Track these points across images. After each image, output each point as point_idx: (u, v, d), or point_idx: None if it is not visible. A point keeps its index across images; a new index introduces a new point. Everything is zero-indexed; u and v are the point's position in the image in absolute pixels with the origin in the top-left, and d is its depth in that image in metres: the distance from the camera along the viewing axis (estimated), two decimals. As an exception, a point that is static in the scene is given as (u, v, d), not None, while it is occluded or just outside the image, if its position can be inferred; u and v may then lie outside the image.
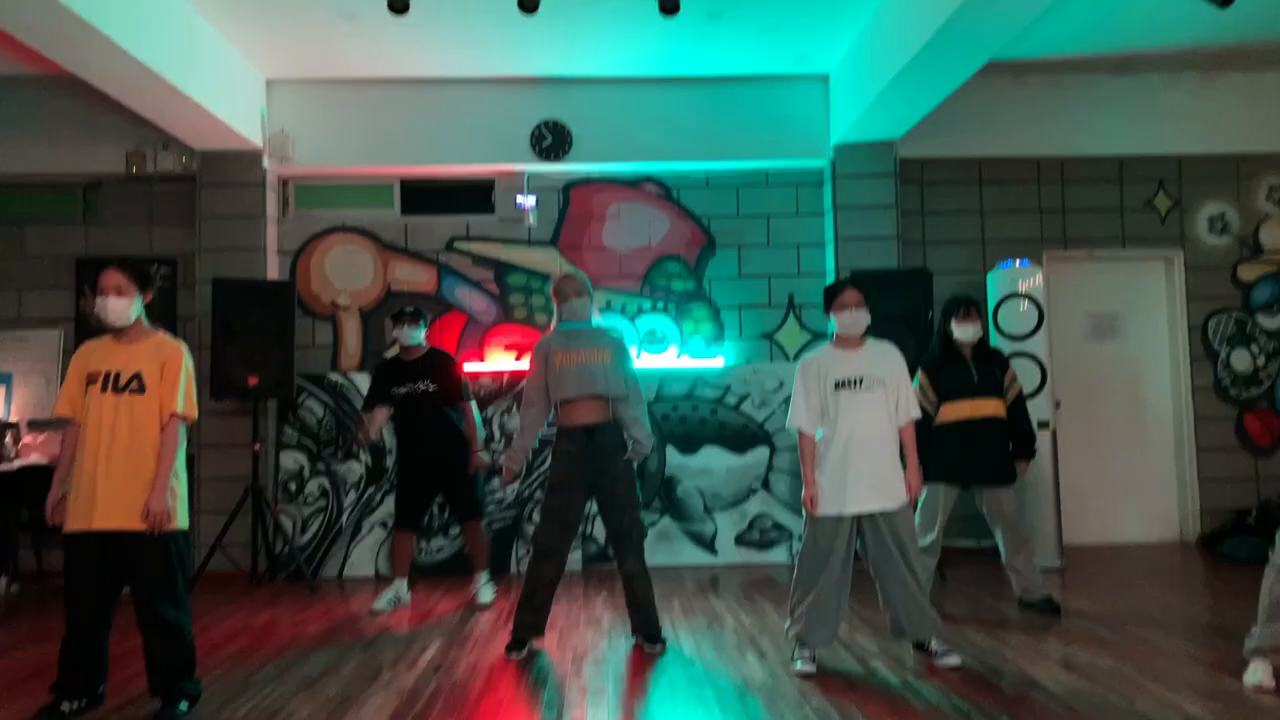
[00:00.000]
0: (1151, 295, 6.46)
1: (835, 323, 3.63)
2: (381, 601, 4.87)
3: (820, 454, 3.59)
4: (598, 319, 4.16)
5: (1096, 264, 6.35)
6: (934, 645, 3.65)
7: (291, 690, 3.53)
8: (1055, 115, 6.31)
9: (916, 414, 3.67)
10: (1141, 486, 6.26)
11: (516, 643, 3.93)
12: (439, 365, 4.94)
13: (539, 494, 5.89)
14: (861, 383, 3.55)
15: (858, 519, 3.57)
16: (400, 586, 4.97)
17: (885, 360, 3.65)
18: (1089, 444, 6.22)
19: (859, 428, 3.52)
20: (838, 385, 3.56)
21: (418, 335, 4.93)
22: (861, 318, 3.61)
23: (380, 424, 5.01)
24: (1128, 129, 6.32)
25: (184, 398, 3.32)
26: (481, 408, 5.97)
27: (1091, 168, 6.44)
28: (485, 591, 5.02)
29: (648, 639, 3.98)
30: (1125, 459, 6.20)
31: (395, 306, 6.12)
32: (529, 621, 3.96)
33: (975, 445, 4.43)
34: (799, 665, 3.60)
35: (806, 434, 3.59)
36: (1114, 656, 3.74)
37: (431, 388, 4.85)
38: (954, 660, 3.62)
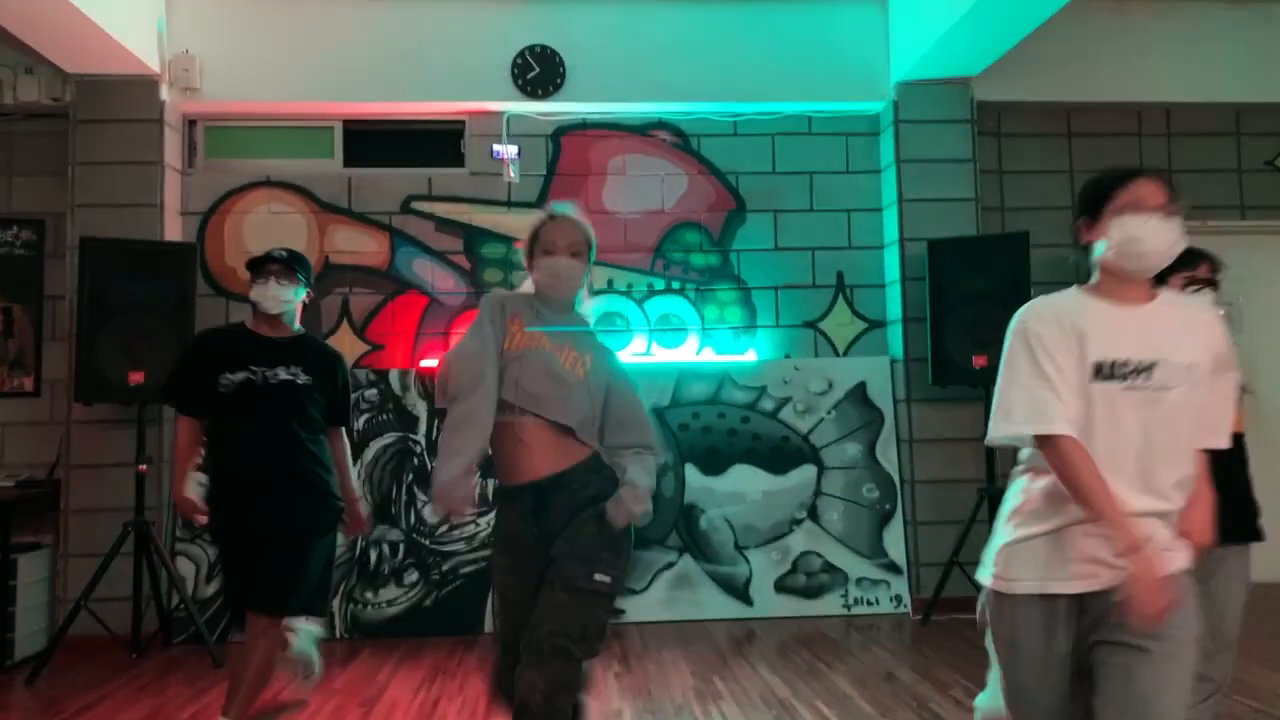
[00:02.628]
0: (1274, 275, 5.33)
1: (1110, 244, 1.84)
2: None
3: (1032, 489, 1.84)
4: (588, 305, 2.45)
5: (1211, 238, 5.12)
6: None
7: None
8: (1161, 53, 5.17)
9: (1225, 440, 1.88)
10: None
11: None
12: (320, 356, 3.10)
13: (523, 527, 4.53)
14: (1152, 372, 1.77)
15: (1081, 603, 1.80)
16: None
17: (1197, 331, 1.84)
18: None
19: (1138, 453, 1.77)
20: (1100, 371, 1.77)
21: (292, 299, 3.03)
22: (1167, 236, 1.78)
23: (193, 470, 3.06)
24: (1247, 70, 5.20)
25: None
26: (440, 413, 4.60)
27: (1203, 118, 5.31)
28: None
29: None
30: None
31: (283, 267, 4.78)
32: None
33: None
34: None
35: (1062, 439, 1.74)
36: None
37: (302, 379, 2.96)
38: None
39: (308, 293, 3.09)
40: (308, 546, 2.90)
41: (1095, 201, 1.93)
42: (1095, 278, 1.93)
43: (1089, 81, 5.17)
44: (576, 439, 2.19)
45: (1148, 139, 5.31)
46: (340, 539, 3.16)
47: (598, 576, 2.11)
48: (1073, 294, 1.94)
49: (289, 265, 2.99)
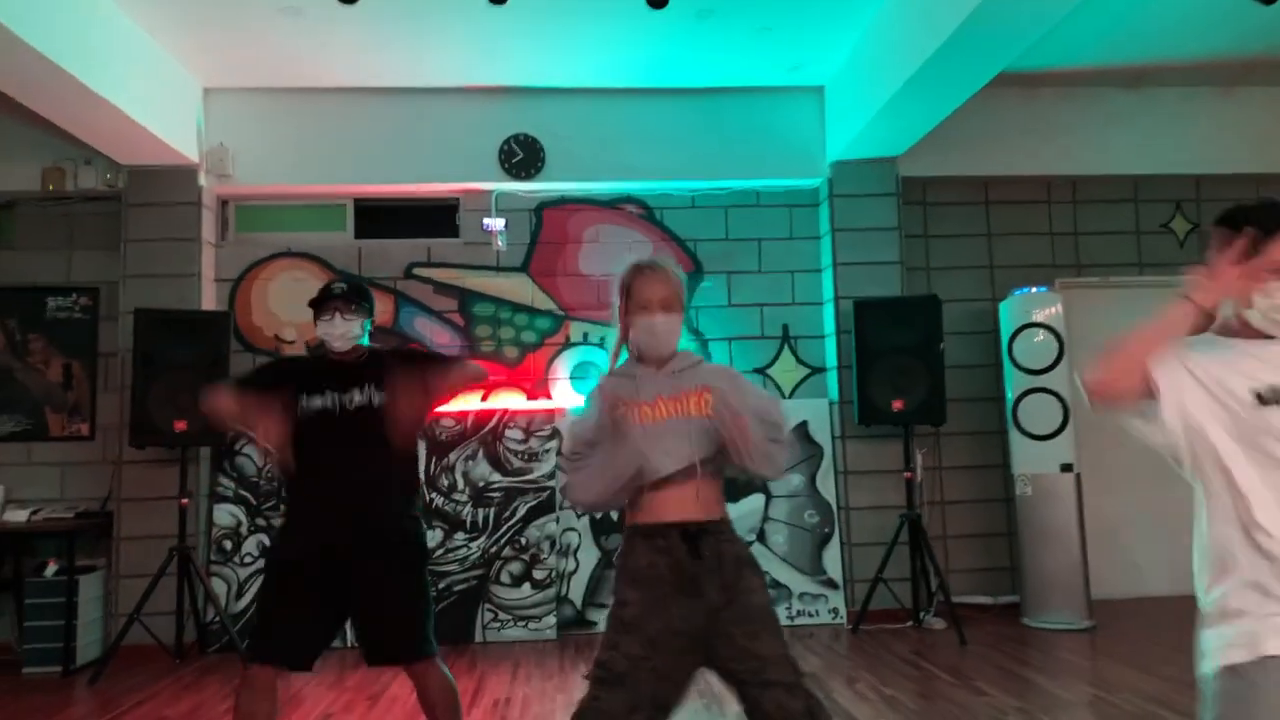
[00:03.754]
0: (1171, 325, 5.99)
1: (1263, 298, 1.63)
2: None
3: (1214, 545, 1.64)
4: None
5: (1111, 291, 5.87)
6: None
7: (199, 817, 2.85)
8: (1066, 132, 5.86)
9: None
10: (1177, 533, 5.71)
11: None
12: (389, 367, 2.83)
13: (508, 550, 5.25)
14: None
15: None
16: None
17: None
18: (1118, 487, 5.67)
19: None
20: (1263, 398, 1.60)
21: (359, 331, 2.86)
22: None
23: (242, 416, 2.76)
24: (1143, 146, 5.89)
25: None
26: (443, 454, 5.34)
27: (1105, 188, 6.00)
28: None
29: None
30: (1157, 504, 5.65)
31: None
32: None
33: None
34: None
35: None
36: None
37: (375, 400, 2.76)
38: None
39: (372, 321, 2.95)
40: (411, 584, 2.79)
41: (1261, 221, 1.65)
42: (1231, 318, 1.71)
43: (1003, 157, 5.85)
44: (714, 487, 2.12)
45: (1056, 205, 6.00)
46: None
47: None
48: (1210, 338, 1.71)
49: (349, 298, 2.84)
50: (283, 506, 2.93)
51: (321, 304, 2.84)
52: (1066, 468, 5.20)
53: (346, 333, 2.81)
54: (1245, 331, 1.67)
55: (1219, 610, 1.61)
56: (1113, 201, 6.02)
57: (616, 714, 1.98)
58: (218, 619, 4.99)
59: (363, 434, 2.73)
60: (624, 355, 2.29)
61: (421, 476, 3.21)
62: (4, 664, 4.85)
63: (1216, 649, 1.59)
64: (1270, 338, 1.64)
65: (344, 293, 2.83)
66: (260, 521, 5.20)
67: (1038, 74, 5.62)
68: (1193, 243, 6.01)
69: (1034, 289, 5.38)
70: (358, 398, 2.76)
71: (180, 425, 4.79)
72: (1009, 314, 5.43)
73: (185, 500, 4.91)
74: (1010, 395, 5.36)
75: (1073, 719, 3.55)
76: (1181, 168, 5.94)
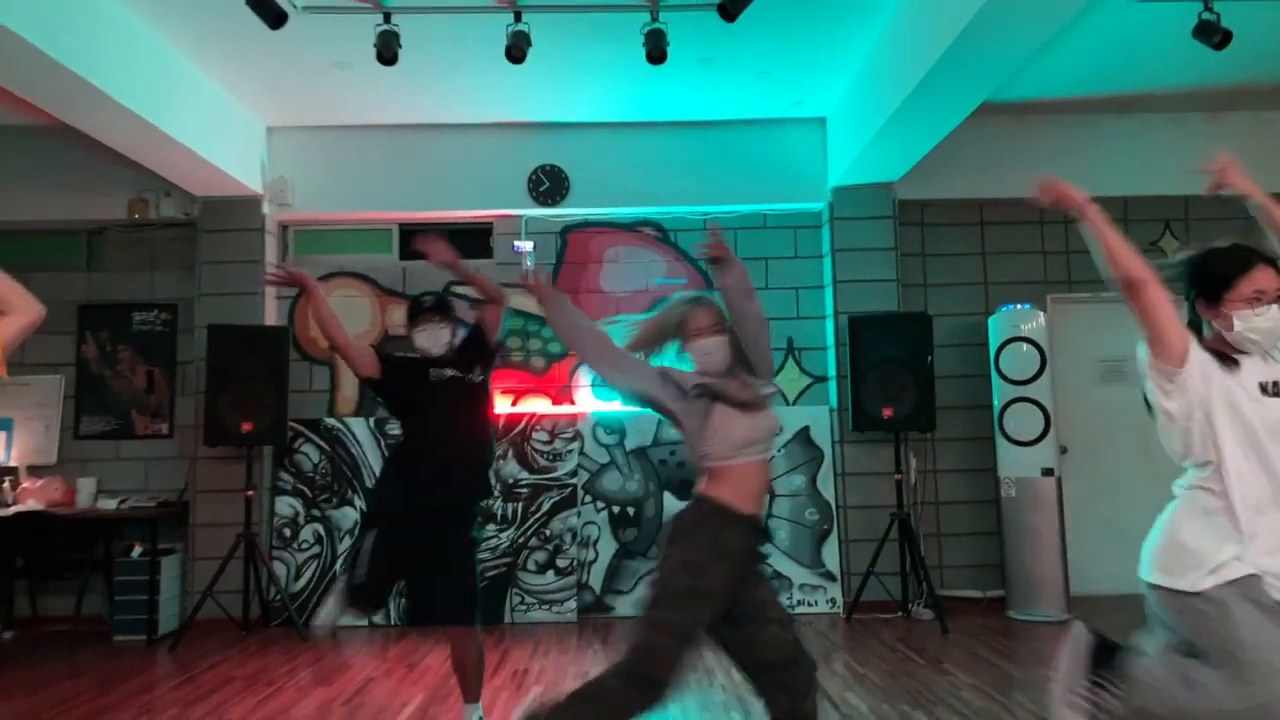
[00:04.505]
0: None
1: (1240, 322, 2.18)
2: None
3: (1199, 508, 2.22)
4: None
5: (1102, 307, 6.21)
6: None
7: (262, 750, 3.47)
8: (1058, 156, 6.20)
9: None
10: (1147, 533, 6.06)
11: None
12: (468, 343, 3.49)
13: (534, 541, 5.83)
14: None
15: None
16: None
17: None
18: (1097, 491, 6.05)
19: None
20: (1267, 389, 2.16)
21: (449, 338, 3.43)
22: None
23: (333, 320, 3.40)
24: (1132, 170, 6.21)
25: None
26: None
27: (1096, 208, 6.33)
28: None
29: None
30: (1135, 507, 5.97)
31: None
32: None
33: None
34: None
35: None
36: (1112, 721, 3.59)
37: (479, 376, 3.44)
38: None
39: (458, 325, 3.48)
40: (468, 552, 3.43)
41: (1220, 277, 2.18)
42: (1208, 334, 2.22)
43: (997, 180, 6.19)
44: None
45: (1049, 225, 6.35)
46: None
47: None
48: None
49: (438, 310, 3.40)
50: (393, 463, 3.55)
51: (416, 315, 3.39)
52: (1048, 472, 5.60)
53: (441, 340, 3.37)
54: (1224, 346, 2.20)
55: (1198, 548, 2.14)
56: (1103, 221, 6.34)
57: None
58: (278, 597, 5.66)
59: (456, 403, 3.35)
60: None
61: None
62: (97, 633, 5.59)
63: (1194, 576, 2.12)
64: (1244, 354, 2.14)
65: (434, 305, 3.39)
66: (315, 512, 5.86)
67: (1027, 103, 6.01)
68: (1182, 259, 6.32)
69: (1019, 305, 5.78)
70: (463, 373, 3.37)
71: (247, 426, 5.46)
72: (996, 328, 5.84)
73: (250, 493, 5.58)
74: (997, 404, 5.78)
75: (1020, 695, 3.98)
76: (1170, 189, 6.22)
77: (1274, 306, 2.10)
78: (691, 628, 2.38)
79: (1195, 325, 2.27)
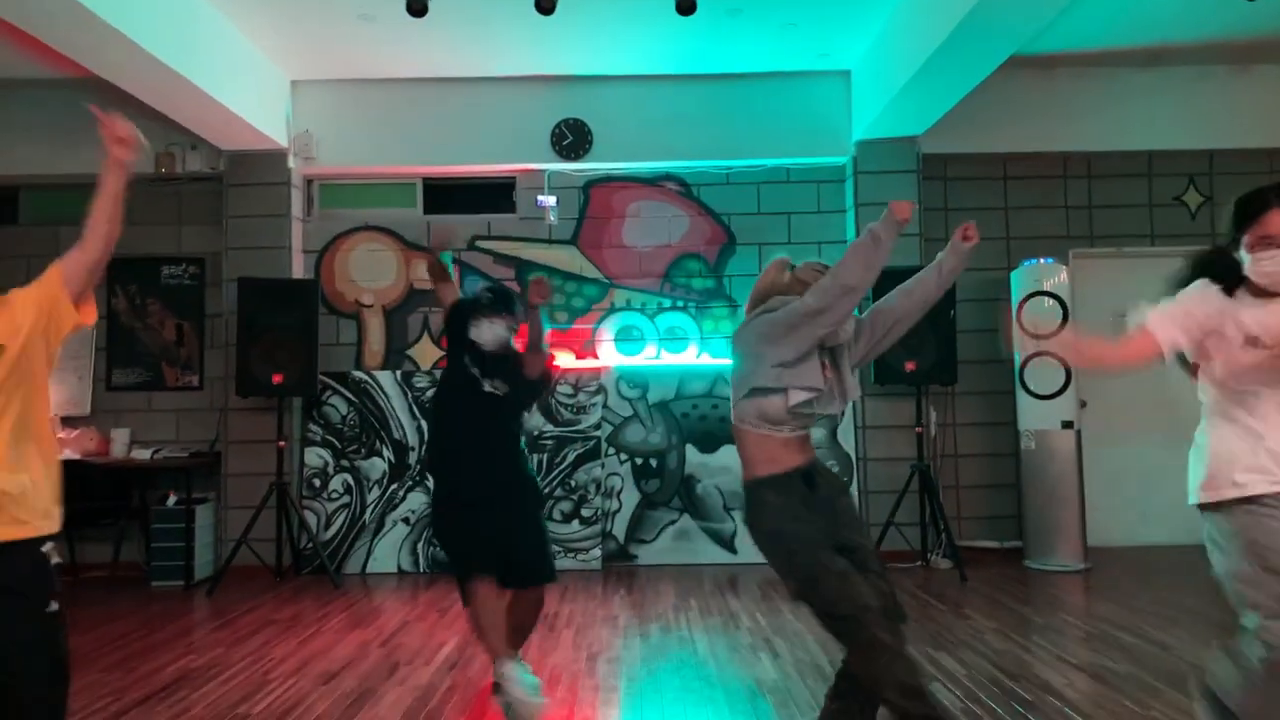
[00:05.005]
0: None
1: (1253, 263, 2.21)
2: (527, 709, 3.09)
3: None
4: None
5: (1124, 261, 6.24)
6: None
7: (310, 685, 3.60)
8: (1082, 110, 6.21)
9: None
10: (1168, 487, 6.11)
11: None
12: (517, 359, 3.39)
13: (559, 491, 5.93)
14: None
15: None
16: (514, 670, 3.14)
17: None
18: (1115, 444, 6.12)
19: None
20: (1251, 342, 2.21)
21: (508, 335, 3.32)
22: None
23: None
24: (1157, 123, 6.20)
25: None
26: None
27: (1119, 163, 6.33)
28: (526, 686, 3.14)
29: None
30: (1153, 459, 6.07)
31: (419, 306, 6.08)
32: None
33: None
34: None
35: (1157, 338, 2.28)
36: (1132, 662, 3.70)
37: (502, 390, 3.30)
38: None
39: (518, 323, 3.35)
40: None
41: (1235, 229, 2.24)
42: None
43: (1021, 134, 6.23)
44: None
45: (1071, 180, 6.36)
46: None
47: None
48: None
49: (498, 308, 3.28)
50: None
51: (474, 312, 3.27)
52: (1067, 424, 5.67)
53: (499, 338, 3.26)
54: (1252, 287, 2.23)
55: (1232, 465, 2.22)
56: (1126, 176, 6.35)
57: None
58: (310, 545, 5.79)
59: (499, 410, 3.29)
60: None
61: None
62: (135, 579, 5.74)
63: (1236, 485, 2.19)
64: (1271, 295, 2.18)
65: (490, 301, 3.28)
66: (344, 463, 5.97)
67: (1053, 55, 5.97)
68: (1205, 215, 6.33)
69: (1042, 260, 5.80)
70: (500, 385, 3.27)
71: (277, 378, 5.55)
72: (1019, 283, 5.87)
73: (282, 443, 5.69)
74: (1019, 357, 5.83)
75: (1040, 639, 4.08)
76: (1195, 143, 6.25)
77: None
78: (836, 570, 2.34)
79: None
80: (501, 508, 3.23)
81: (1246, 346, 2.18)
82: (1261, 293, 2.22)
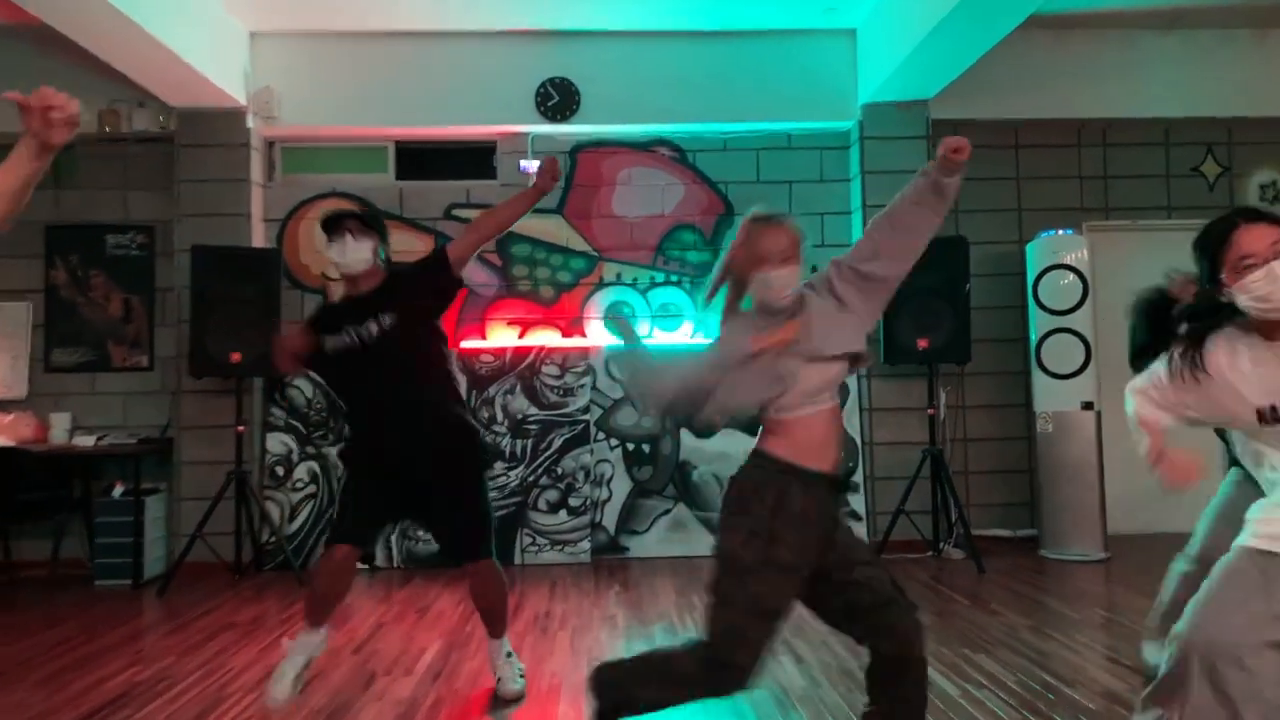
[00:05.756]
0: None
1: (1243, 297, 1.86)
2: (279, 687, 2.85)
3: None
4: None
5: (1140, 234, 5.93)
6: None
7: (273, 702, 3.14)
8: (1098, 75, 5.88)
9: None
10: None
11: None
12: (404, 283, 3.02)
13: (545, 479, 5.50)
14: None
15: None
16: (311, 643, 2.94)
17: None
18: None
19: None
20: (1265, 417, 1.89)
21: (369, 257, 2.96)
22: None
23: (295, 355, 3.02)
24: (1175, 90, 5.90)
25: None
26: (482, 387, 5.58)
27: (1136, 131, 6.02)
28: (510, 673, 3.14)
29: None
30: (1179, 442, 5.77)
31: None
32: None
33: None
34: None
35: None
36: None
37: (387, 324, 2.89)
38: None
39: (387, 250, 3.05)
40: (469, 489, 3.02)
41: (1209, 272, 1.91)
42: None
43: (1034, 101, 5.90)
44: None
45: (1086, 149, 6.03)
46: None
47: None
48: (1231, 331, 1.94)
49: (364, 221, 2.97)
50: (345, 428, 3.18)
51: (332, 226, 2.94)
52: (1088, 405, 5.34)
53: (358, 256, 2.90)
54: (1263, 329, 1.88)
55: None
56: (1143, 145, 6.05)
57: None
58: (273, 539, 5.30)
59: (386, 359, 2.89)
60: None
61: (460, 390, 3.39)
62: (77, 577, 5.21)
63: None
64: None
65: (352, 214, 2.97)
66: (310, 450, 5.48)
67: (1069, 16, 5.63)
68: (1223, 186, 6.04)
69: (1060, 232, 5.47)
70: (373, 327, 2.87)
71: (235, 357, 5.04)
72: (1035, 256, 5.52)
73: (241, 428, 5.19)
74: (1034, 335, 5.49)
75: (1082, 637, 3.74)
76: (1214, 110, 5.95)
77: (1274, 263, 1.78)
78: (769, 602, 2.05)
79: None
80: (410, 470, 2.96)
81: (1265, 423, 1.87)
82: (1269, 332, 1.86)
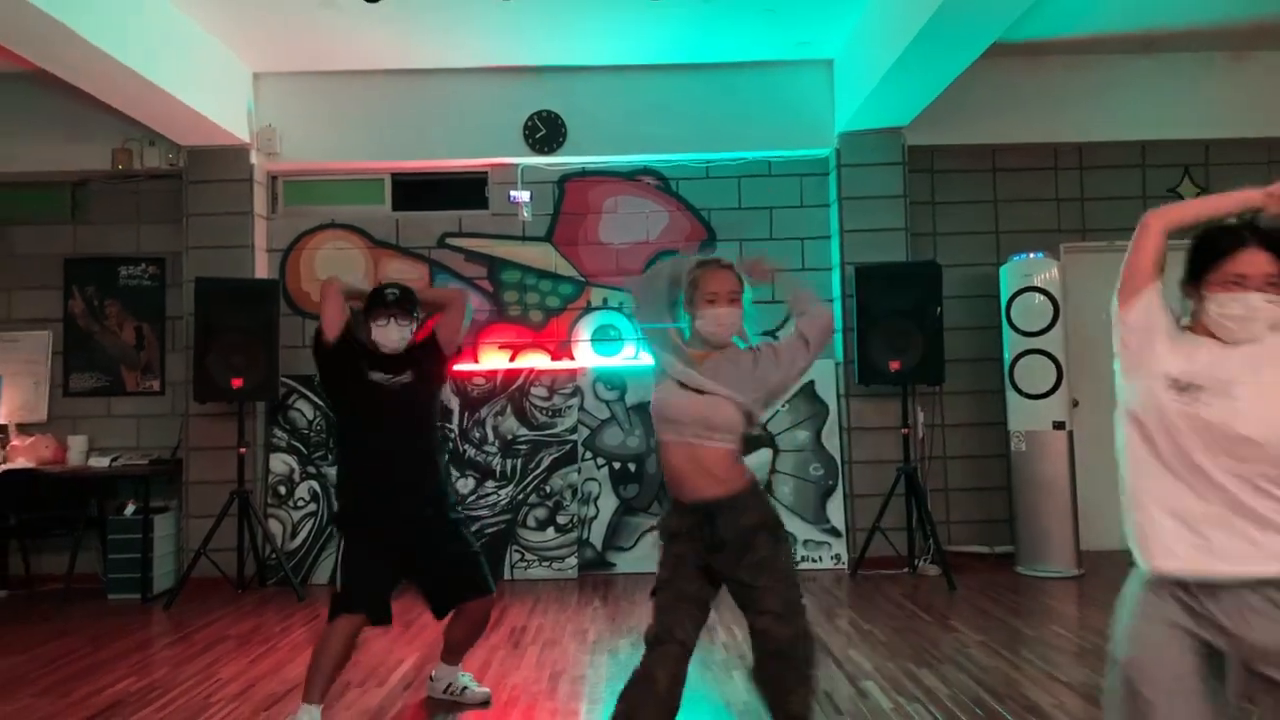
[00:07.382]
0: (1177, 289, 6.12)
1: (1215, 306, 1.86)
2: None
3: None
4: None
5: (1116, 256, 5.95)
6: None
7: (250, 711, 3.38)
8: (1073, 98, 5.99)
9: None
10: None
11: None
12: (420, 351, 3.33)
13: (534, 497, 5.73)
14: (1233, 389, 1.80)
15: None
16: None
17: None
18: (1108, 445, 5.88)
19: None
20: (1174, 384, 1.86)
21: (409, 336, 3.26)
22: (1268, 311, 1.82)
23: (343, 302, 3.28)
24: (1151, 112, 5.99)
25: None
26: (474, 408, 5.82)
27: (1112, 154, 6.12)
28: (468, 679, 3.48)
29: None
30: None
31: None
32: None
33: None
34: None
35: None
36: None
37: (409, 378, 3.21)
38: None
39: (419, 323, 3.32)
40: (464, 530, 3.34)
41: (1201, 263, 1.91)
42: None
43: (1010, 124, 6.01)
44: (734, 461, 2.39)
45: (1063, 171, 6.14)
46: None
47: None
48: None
49: (401, 307, 3.19)
50: (343, 472, 3.30)
51: (374, 309, 3.18)
52: (1059, 425, 5.46)
53: (401, 337, 3.19)
54: (1199, 330, 1.91)
55: None
56: (1120, 167, 6.14)
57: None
58: (274, 555, 5.57)
59: (404, 409, 3.17)
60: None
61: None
62: (91, 591, 5.52)
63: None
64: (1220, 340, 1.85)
65: (396, 299, 3.17)
66: (310, 470, 5.76)
67: (1043, 42, 5.75)
68: (1201, 207, 6.11)
69: (1032, 254, 5.59)
70: (401, 379, 3.17)
71: (237, 382, 5.33)
72: (1008, 278, 5.65)
73: (244, 450, 5.46)
74: (1008, 356, 5.62)
75: (1029, 653, 3.87)
76: (1190, 132, 6.03)
77: (1255, 295, 1.80)
78: (663, 608, 2.40)
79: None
80: (413, 529, 3.17)
81: (1170, 390, 1.85)
82: (1202, 330, 1.90)
